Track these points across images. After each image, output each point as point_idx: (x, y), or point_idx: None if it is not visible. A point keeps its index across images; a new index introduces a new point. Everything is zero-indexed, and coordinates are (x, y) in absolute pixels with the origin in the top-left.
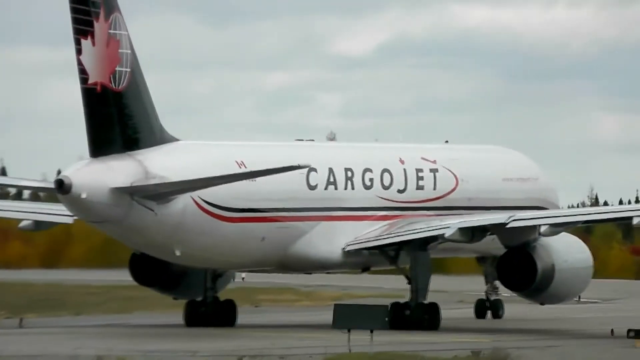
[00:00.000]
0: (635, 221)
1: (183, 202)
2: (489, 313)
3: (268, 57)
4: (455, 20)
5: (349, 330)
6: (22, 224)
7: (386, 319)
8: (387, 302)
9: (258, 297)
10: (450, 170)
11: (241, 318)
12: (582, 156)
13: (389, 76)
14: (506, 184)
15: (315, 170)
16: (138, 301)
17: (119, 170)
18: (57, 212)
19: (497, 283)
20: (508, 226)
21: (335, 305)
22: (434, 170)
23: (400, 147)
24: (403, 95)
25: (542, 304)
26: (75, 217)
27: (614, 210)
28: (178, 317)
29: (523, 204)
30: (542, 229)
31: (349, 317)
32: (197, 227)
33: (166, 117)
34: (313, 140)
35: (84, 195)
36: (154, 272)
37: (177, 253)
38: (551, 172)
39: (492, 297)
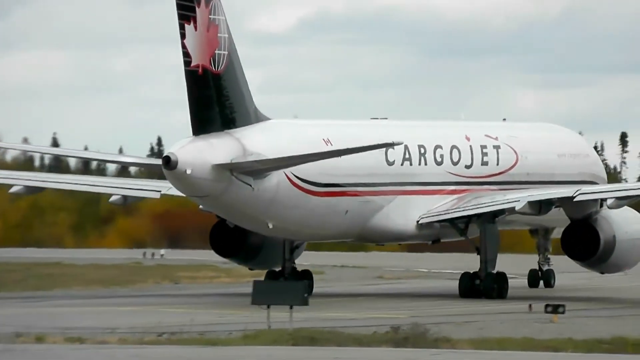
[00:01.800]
0: None
1: (277, 177)
2: (541, 282)
3: None
4: None
5: (268, 307)
6: (112, 198)
7: (305, 295)
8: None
9: (177, 274)
10: (511, 147)
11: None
12: None
13: (309, 52)
14: (561, 159)
15: (400, 144)
16: (57, 278)
17: (220, 148)
18: (145, 187)
19: (549, 254)
20: (575, 199)
21: (255, 281)
22: (496, 147)
23: (465, 125)
24: (323, 71)
25: (602, 273)
26: (166, 192)
27: None
28: (101, 292)
29: (576, 179)
30: (609, 202)
31: (268, 293)
32: (289, 201)
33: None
34: (387, 118)
35: (189, 171)
36: (234, 244)
37: (270, 226)
38: None
39: (545, 268)
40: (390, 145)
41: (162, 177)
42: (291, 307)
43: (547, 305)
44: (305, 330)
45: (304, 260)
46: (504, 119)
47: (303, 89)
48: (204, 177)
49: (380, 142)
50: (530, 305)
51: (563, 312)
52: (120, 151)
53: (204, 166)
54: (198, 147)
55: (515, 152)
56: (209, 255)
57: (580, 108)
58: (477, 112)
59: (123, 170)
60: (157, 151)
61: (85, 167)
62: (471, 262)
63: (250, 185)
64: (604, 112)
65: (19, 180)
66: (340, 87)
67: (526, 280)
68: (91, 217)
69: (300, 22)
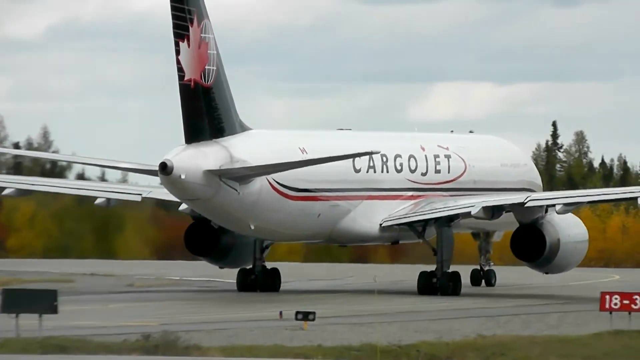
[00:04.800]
0: None
1: (260, 183)
2: (482, 282)
3: None
4: (126, 4)
5: (17, 315)
6: (97, 201)
7: (55, 303)
8: (54, 287)
9: None
10: (460, 157)
11: None
12: None
13: (58, 59)
14: (503, 168)
15: (378, 153)
16: None
17: (210, 155)
18: (128, 191)
19: (489, 255)
20: (526, 205)
21: (4, 289)
22: (447, 157)
23: (420, 136)
24: (72, 78)
25: (546, 273)
26: (147, 195)
27: (618, 192)
28: None
29: (516, 186)
30: (558, 207)
31: (17, 301)
32: (270, 204)
33: None
34: (350, 129)
35: (183, 176)
36: (207, 245)
37: (252, 227)
38: None
39: (486, 268)
40: (370, 153)
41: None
42: (40, 316)
43: (297, 313)
44: (54, 338)
45: (55, 267)
46: (452, 131)
47: (52, 97)
48: (196, 181)
49: (349, 152)
50: (280, 313)
51: (313, 320)
52: None
53: (196, 172)
54: (191, 154)
55: (464, 161)
56: None
57: (330, 116)
58: None
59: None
60: None
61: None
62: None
63: (237, 190)
64: (351, 120)
65: (10, 183)
66: (89, 95)
67: (469, 279)
68: None
69: (49, 28)
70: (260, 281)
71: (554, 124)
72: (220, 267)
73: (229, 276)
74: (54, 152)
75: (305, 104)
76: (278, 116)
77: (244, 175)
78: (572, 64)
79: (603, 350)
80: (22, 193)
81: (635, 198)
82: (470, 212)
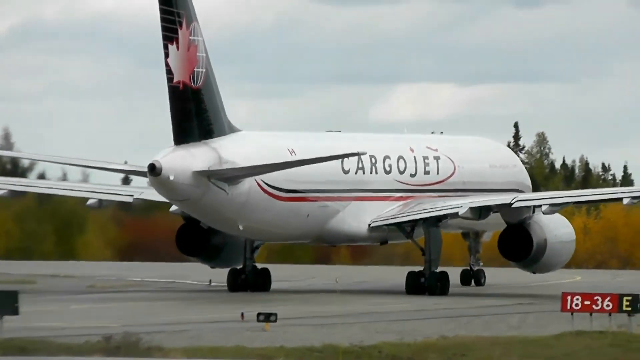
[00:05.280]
0: (625, 202)
1: (249, 183)
2: (472, 281)
3: None
4: (88, 4)
5: None
6: (89, 202)
7: (16, 304)
8: (15, 288)
9: None
10: (449, 158)
11: None
12: None
13: (19, 60)
14: (492, 169)
15: (364, 154)
16: None
17: (198, 156)
18: (119, 192)
19: (479, 255)
20: (513, 206)
21: None
22: (437, 158)
23: (409, 137)
24: (33, 80)
25: (534, 272)
26: (139, 196)
27: (606, 192)
28: None
29: (505, 187)
30: (544, 208)
31: None
32: (259, 205)
33: None
34: (340, 131)
35: (171, 177)
36: (198, 245)
37: (241, 227)
38: None
39: (475, 268)
40: (357, 154)
41: None
42: (1, 317)
43: (259, 314)
44: (16, 340)
45: (16, 269)
46: (442, 132)
47: (12, 97)
48: (185, 182)
49: (338, 153)
50: (242, 314)
51: (275, 321)
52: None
53: (185, 173)
54: (180, 155)
55: (453, 162)
56: None
57: (293, 117)
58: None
59: None
60: None
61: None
62: (185, 270)
63: (225, 190)
64: (314, 121)
65: (4, 184)
66: (50, 96)
67: (459, 279)
68: None
69: (10, 29)
70: (250, 281)
71: (516, 125)
72: (212, 267)
73: (192, 277)
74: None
75: (268, 105)
76: (241, 117)
77: (232, 176)
78: (534, 65)
79: (564, 351)
80: (15, 194)
81: (621, 199)
82: (458, 212)
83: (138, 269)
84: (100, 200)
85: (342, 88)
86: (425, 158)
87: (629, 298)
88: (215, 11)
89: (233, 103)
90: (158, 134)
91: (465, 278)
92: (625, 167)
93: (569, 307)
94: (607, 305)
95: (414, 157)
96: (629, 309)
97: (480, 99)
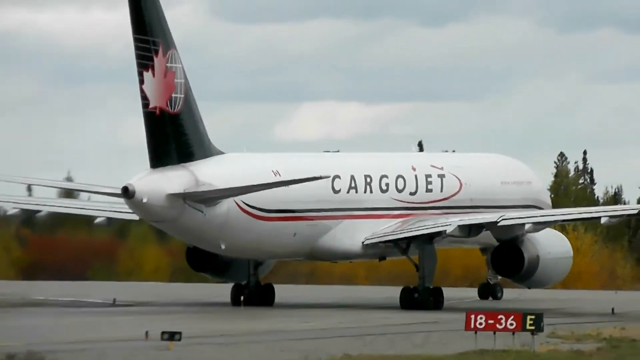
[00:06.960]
0: (603, 221)
1: (227, 205)
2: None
3: None
4: None
5: None
6: (97, 220)
7: None
8: None
9: None
10: (455, 175)
11: None
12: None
13: None
14: (504, 186)
15: (339, 177)
16: None
17: (174, 179)
18: (128, 210)
19: None
20: (499, 224)
21: None
22: (441, 176)
23: (413, 155)
24: None
25: (529, 287)
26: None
27: (591, 211)
28: None
29: (519, 204)
30: (527, 226)
31: None
32: (239, 225)
33: None
34: (338, 151)
35: (145, 200)
36: (206, 261)
37: (222, 247)
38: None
39: (492, 282)
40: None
41: None
42: None
43: (163, 333)
44: None
45: None
46: (454, 151)
47: None
48: (159, 204)
49: (327, 174)
50: (147, 333)
51: (179, 340)
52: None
53: (159, 195)
54: (154, 178)
55: (459, 180)
56: None
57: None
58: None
59: None
60: None
61: None
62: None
63: (202, 212)
64: (220, 140)
65: (17, 204)
66: None
67: (477, 293)
68: None
69: None
70: (254, 296)
71: (420, 144)
72: (223, 282)
73: (93, 296)
74: None
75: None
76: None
77: (208, 197)
78: (438, 84)
79: None
80: (27, 213)
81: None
82: (446, 230)
83: (41, 288)
84: (109, 219)
85: (248, 106)
86: (428, 176)
87: (533, 317)
88: (118, 29)
89: (138, 121)
90: None
91: (484, 292)
92: None
93: (472, 326)
94: (511, 325)
95: (415, 175)
96: (532, 327)
97: (385, 118)
